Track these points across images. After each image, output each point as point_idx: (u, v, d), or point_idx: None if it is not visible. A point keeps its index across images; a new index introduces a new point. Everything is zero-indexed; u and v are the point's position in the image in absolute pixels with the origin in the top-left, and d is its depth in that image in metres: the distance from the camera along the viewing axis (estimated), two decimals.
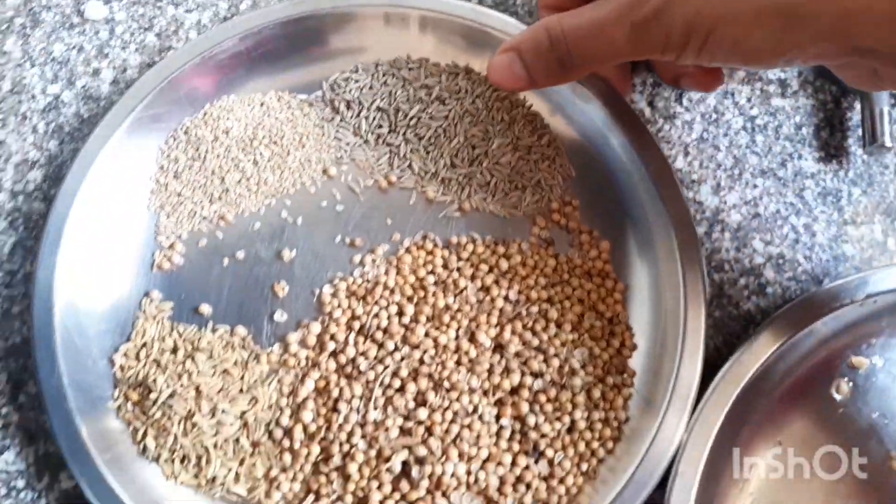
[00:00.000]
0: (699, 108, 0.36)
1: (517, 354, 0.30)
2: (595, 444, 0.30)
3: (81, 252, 0.31)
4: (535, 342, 0.30)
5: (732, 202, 0.35)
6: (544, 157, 0.34)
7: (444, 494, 0.29)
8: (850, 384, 0.31)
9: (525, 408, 0.29)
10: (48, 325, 0.30)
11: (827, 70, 0.35)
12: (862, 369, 0.31)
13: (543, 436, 0.29)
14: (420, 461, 0.29)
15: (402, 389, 0.30)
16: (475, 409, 0.29)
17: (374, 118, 0.34)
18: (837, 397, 0.31)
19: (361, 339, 0.31)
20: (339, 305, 0.31)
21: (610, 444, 0.30)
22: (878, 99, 0.34)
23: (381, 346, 0.30)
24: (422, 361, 0.30)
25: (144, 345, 0.31)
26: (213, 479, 0.29)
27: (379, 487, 0.29)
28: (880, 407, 0.31)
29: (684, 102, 0.36)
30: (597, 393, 0.30)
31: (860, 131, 0.35)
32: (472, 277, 0.32)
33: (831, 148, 0.36)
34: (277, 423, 0.30)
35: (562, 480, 0.29)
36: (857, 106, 0.36)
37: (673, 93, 0.36)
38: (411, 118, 0.33)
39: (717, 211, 0.35)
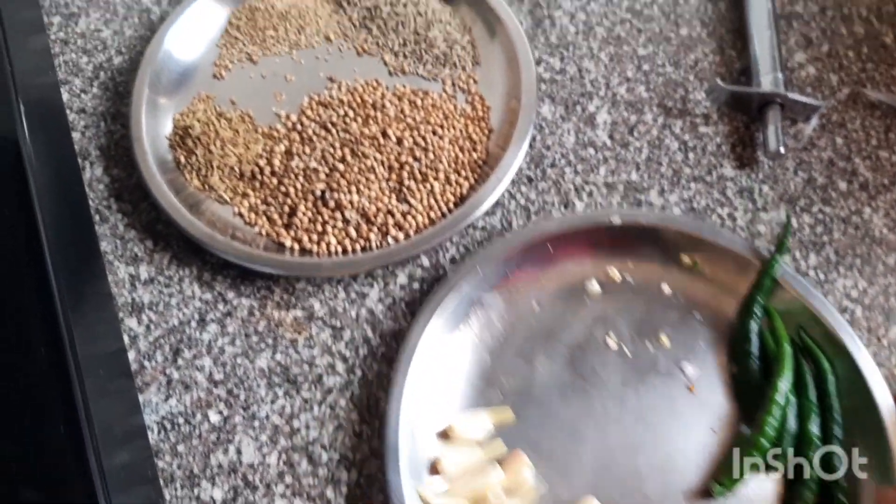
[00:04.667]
0: (645, 137, 0.50)
1: (409, 148, 0.48)
2: (442, 205, 0.46)
3: (176, 51, 0.52)
4: (423, 143, 0.48)
5: (674, 200, 0.47)
6: (463, 48, 0.52)
7: (341, 211, 0.46)
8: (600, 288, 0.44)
9: (405, 175, 0.47)
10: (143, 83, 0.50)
11: (739, 103, 0.49)
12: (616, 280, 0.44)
13: (411, 191, 0.46)
14: (333, 191, 0.47)
15: (333, 153, 0.48)
16: (373, 170, 0.47)
17: (361, 11, 0.54)
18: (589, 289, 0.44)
19: (319, 126, 0.49)
20: (310, 107, 0.50)
21: (451, 206, 0.46)
22: (773, 118, 0.47)
23: (328, 131, 0.49)
24: (350, 140, 0.48)
25: (194, 111, 0.51)
26: (212, 186, 0.48)
27: (305, 202, 0.47)
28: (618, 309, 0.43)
29: (635, 133, 0.50)
30: (452, 178, 0.47)
31: (763, 144, 0.47)
32: (397, 105, 0.50)
33: (744, 158, 0.49)
34: (257, 164, 0.49)
35: (414, 217, 0.46)
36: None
37: (626, 127, 0.50)
38: (385, 13, 0.53)
39: (663, 207, 0.47)
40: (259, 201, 0.48)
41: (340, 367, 0.44)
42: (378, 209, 0.46)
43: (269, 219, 0.47)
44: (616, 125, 0.51)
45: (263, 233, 0.47)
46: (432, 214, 0.46)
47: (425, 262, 0.46)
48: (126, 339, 0.45)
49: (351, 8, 0.54)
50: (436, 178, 0.47)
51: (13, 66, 0.47)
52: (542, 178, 0.49)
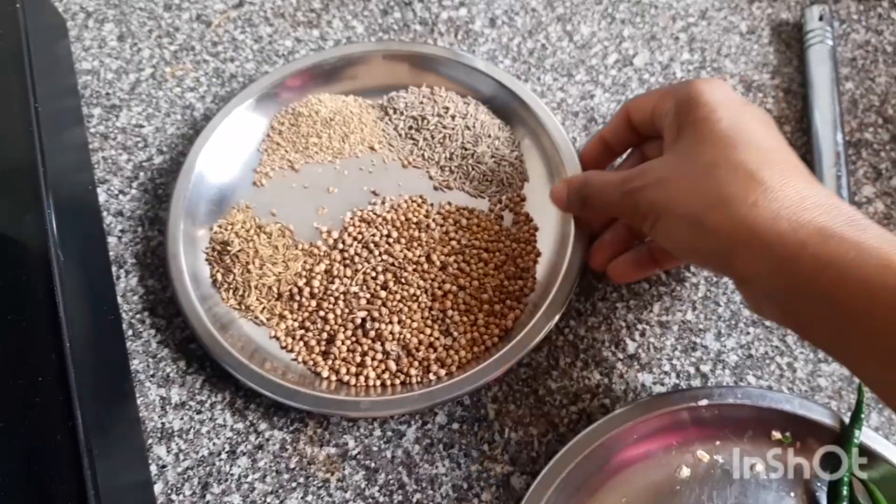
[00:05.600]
0: (702, 273, 0.47)
1: (453, 273, 0.46)
2: (486, 337, 0.44)
3: (215, 163, 0.51)
4: (468, 269, 0.46)
5: (731, 346, 0.45)
6: (511, 165, 0.50)
7: (382, 342, 0.44)
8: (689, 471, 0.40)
9: (448, 304, 0.45)
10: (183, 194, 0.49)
11: None
12: (704, 461, 0.40)
13: (454, 322, 0.45)
14: (374, 320, 0.45)
15: (375, 278, 0.46)
16: (416, 298, 0.45)
17: (407, 121, 0.52)
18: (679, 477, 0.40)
19: (361, 246, 0.48)
20: (352, 224, 0.49)
21: (495, 339, 0.44)
22: None
23: (371, 252, 0.47)
24: (393, 265, 0.46)
25: (232, 224, 0.49)
26: (249, 307, 0.47)
27: (344, 330, 0.45)
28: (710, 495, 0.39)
29: (692, 268, 0.47)
30: (497, 308, 0.45)
31: None
32: (442, 224, 0.48)
33: None
34: (296, 284, 0.47)
35: (457, 351, 0.44)
36: None
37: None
38: (431, 124, 0.51)
39: (719, 353, 0.44)
40: (297, 325, 0.46)
41: None
42: (420, 342, 0.44)
43: (307, 345, 0.45)
44: None
45: (300, 360, 0.45)
46: (476, 349, 0.44)
47: (466, 398, 0.44)
48: (154, 468, 0.43)
49: (397, 116, 0.53)
50: (480, 310, 0.45)
51: (45, 161, 0.44)
52: (591, 313, 0.46)
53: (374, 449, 0.43)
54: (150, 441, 0.44)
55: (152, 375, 0.46)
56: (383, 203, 0.50)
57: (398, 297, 0.45)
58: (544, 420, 0.43)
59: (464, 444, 0.43)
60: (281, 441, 0.44)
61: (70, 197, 0.48)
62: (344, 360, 0.44)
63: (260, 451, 0.43)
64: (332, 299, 0.46)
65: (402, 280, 0.46)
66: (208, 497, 0.42)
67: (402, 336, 0.44)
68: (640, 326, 0.46)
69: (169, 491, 0.43)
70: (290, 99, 0.53)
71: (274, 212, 0.50)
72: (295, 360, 0.45)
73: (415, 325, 0.45)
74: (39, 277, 0.41)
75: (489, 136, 0.51)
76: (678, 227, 0.34)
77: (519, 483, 0.42)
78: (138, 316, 0.48)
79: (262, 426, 0.44)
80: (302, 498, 0.42)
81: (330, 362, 0.45)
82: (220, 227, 0.49)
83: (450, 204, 0.49)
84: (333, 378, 0.44)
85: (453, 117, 0.52)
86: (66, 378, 0.39)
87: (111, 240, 0.51)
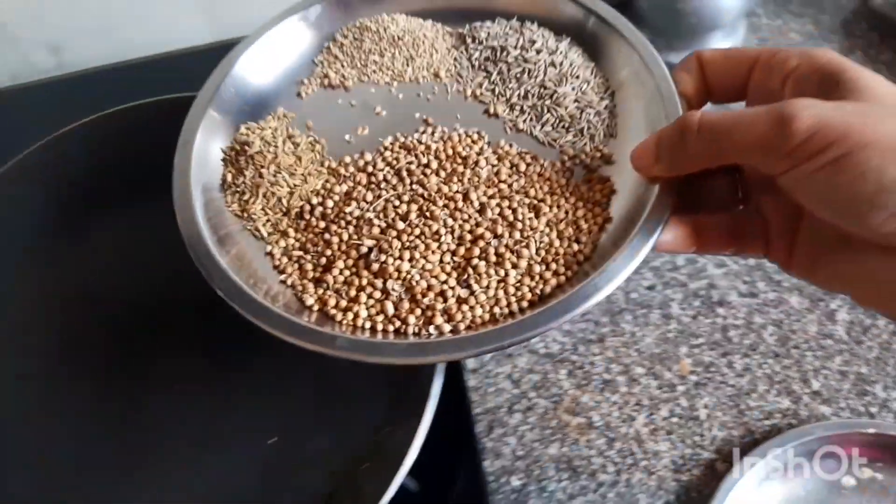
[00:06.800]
0: (876, 339, 0.51)
1: (492, 218, 0.37)
2: (513, 301, 0.34)
3: (260, 64, 0.45)
4: (511, 217, 0.37)
5: (894, 396, 0.49)
6: (598, 115, 0.41)
7: (384, 279, 0.35)
8: None
9: (476, 252, 0.36)
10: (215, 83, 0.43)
11: None
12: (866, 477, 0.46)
13: (478, 274, 0.35)
14: (382, 251, 0.36)
15: (398, 207, 0.38)
16: (438, 237, 0.36)
17: (485, 52, 0.44)
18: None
19: (392, 172, 0.39)
20: (391, 148, 0.41)
21: (525, 304, 0.34)
22: None
23: (401, 179, 0.39)
24: (421, 195, 0.38)
25: (262, 128, 0.43)
26: (252, 214, 0.40)
27: (345, 258, 0.37)
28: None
29: (867, 333, 0.51)
30: (536, 269, 0.35)
31: None
32: (494, 165, 0.39)
33: None
34: (309, 202, 0.39)
35: (472, 307, 0.34)
36: None
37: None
38: (511, 56, 0.43)
39: (885, 400, 0.49)
40: (297, 245, 0.38)
41: None
42: (430, 287, 0.35)
43: (302, 268, 0.38)
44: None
45: (289, 283, 0.37)
46: (497, 310, 0.34)
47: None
48: None
49: (474, 46, 0.45)
50: (514, 266, 0.35)
51: None
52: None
53: None
54: None
55: None
56: (433, 133, 0.41)
57: (417, 231, 0.36)
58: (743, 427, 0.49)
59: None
60: None
61: None
62: (336, 291, 0.36)
63: None
64: (343, 223, 0.38)
65: (428, 214, 0.37)
66: None
67: (409, 276, 0.35)
68: (823, 371, 0.50)
69: None
70: (361, 13, 0.47)
71: (310, 124, 0.43)
72: (283, 282, 0.37)
73: (428, 266, 0.36)
74: None
75: (577, 77, 0.42)
76: (888, 162, 0.26)
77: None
78: None
79: None
80: None
81: (320, 292, 0.36)
82: (247, 128, 0.43)
83: (511, 146, 0.40)
84: (317, 308, 0.36)
85: (538, 51, 0.43)
86: None
87: None
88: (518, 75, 0.43)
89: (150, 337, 0.50)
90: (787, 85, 0.32)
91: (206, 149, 0.42)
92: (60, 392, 0.49)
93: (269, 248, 0.39)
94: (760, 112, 0.29)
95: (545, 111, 0.41)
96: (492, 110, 0.42)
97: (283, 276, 0.38)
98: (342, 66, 0.46)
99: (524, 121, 0.41)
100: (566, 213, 0.37)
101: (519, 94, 0.42)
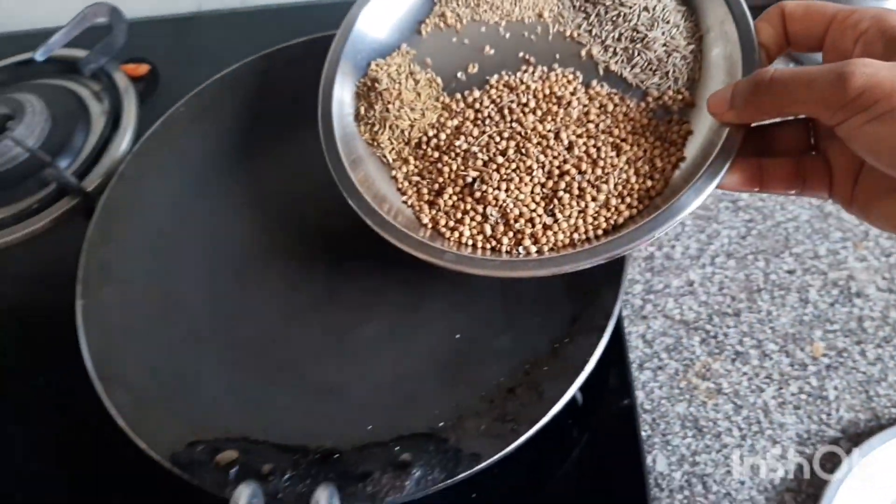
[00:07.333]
0: None
1: (578, 156, 0.43)
2: (590, 229, 0.42)
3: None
4: (595, 155, 0.43)
5: None
6: (683, 58, 0.45)
7: (484, 205, 0.43)
8: None
9: (562, 185, 0.43)
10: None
11: None
12: None
13: (562, 205, 0.42)
14: (483, 182, 0.44)
15: (498, 143, 0.45)
16: (531, 171, 0.43)
17: None
18: None
19: (496, 110, 0.46)
20: (496, 87, 0.47)
21: (600, 233, 0.41)
22: None
23: (503, 117, 0.46)
24: (519, 133, 0.45)
25: (388, 65, 0.50)
26: (380, 143, 0.48)
27: (454, 186, 0.45)
28: None
29: None
30: (613, 202, 0.42)
31: None
32: (585, 105, 0.45)
33: None
34: (426, 133, 0.47)
35: (555, 233, 0.42)
36: None
37: None
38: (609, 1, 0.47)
39: None
40: (416, 171, 0.47)
41: None
42: (521, 214, 0.43)
43: (419, 192, 0.46)
44: None
45: (409, 203, 0.46)
46: (576, 236, 0.42)
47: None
48: None
49: None
50: (594, 199, 0.42)
51: None
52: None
53: None
54: None
55: None
56: (533, 73, 0.47)
57: (513, 166, 0.44)
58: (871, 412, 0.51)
59: None
60: None
61: None
62: (446, 213, 0.44)
63: None
64: (453, 154, 0.45)
65: (523, 150, 0.44)
66: None
67: (504, 204, 0.43)
68: None
69: None
70: None
71: (428, 62, 0.50)
72: (404, 202, 0.46)
73: (521, 196, 0.43)
74: None
75: (668, 21, 0.46)
76: None
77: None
78: None
79: None
80: None
81: (434, 213, 0.45)
82: (377, 65, 0.50)
83: (602, 86, 0.46)
84: (430, 226, 0.45)
85: None
86: None
87: None
88: (614, 18, 0.47)
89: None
90: (857, 46, 0.35)
91: (343, 83, 0.50)
92: (272, 277, 0.57)
93: (393, 172, 0.47)
94: (824, 70, 0.33)
95: (636, 54, 0.46)
96: (586, 51, 0.47)
97: (404, 198, 0.46)
98: (457, 4, 0.51)
99: (616, 62, 0.46)
100: (644, 151, 0.43)
101: (613, 37, 0.47)
